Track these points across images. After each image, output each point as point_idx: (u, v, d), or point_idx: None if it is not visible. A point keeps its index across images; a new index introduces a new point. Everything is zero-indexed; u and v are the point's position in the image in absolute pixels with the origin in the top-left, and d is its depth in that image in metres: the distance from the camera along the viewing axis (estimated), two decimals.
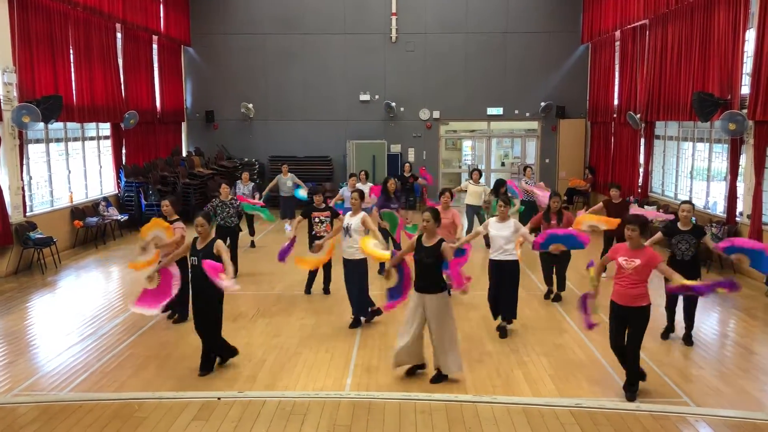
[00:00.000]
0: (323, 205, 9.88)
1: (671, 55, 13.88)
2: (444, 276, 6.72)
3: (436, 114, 20.35)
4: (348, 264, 8.44)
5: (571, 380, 6.82)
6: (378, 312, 8.67)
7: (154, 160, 17.11)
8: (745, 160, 11.46)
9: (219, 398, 6.34)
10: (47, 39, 12.72)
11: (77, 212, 13.75)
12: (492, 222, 8.13)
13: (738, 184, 11.62)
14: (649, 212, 10.73)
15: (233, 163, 19.61)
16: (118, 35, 15.86)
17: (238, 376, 6.94)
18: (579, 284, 10.47)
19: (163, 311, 8.38)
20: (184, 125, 20.53)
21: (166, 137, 18.94)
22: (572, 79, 20.04)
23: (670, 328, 8.08)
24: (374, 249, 7.89)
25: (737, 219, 11.59)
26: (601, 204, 11.04)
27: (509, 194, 11.83)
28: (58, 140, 13.93)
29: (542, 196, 13.05)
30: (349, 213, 8.76)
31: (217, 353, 7.11)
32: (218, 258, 6.76)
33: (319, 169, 19.83)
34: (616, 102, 17.64)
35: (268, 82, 20.30)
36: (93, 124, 15.21)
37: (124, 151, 16.07)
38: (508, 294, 8.10)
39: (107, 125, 15.64)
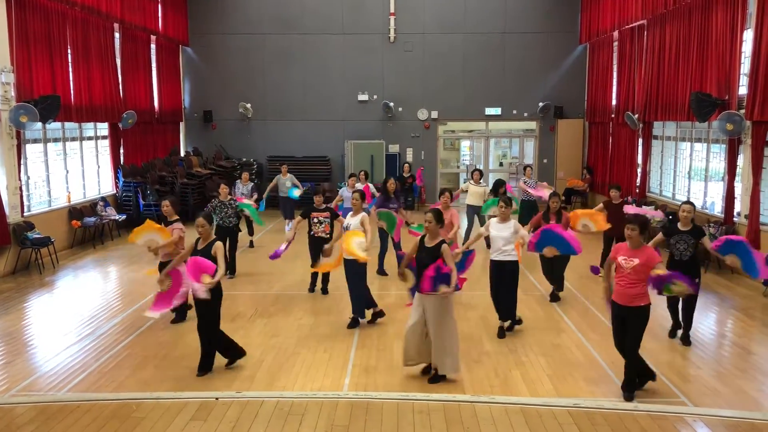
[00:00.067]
0: (323, 206, 9.87)
1: (669, 55, 13.89)
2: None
3: (435, 114, 20.36)
4: (347, 264, 8.44)
5: (569, 380, 6.83)
6: (381, 314, 8.67)
7: (152, 160, 17.10)
8: (743, 161, 11.48)
9: (217, 398, 6.33)
10: (45, 38, 12.71)
11: (75, 212, 13.74)
12: (493, 222, 8.14)
13: (736, 184, 11.63)
14: (642, 210, 10.71)
15: (231, 163, 19.59)
16: (116, 35, 15.85)
17: (236, 376, 6.94)
18: (578, 284, 10.49)
19: (173, 311, 8.51)
20: (182, 125, 20.52)
21: (164, 137, 18.93)
22: (570, 79, 20.06)
23: (676, 325, 8.07)
24: (354, 247, 7.95)
25: (735, 219, 11.61)
26: (601, 205, 11.05)
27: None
28: (56, 140, 13.92)
29: (535, 192, 13.09)
30: (350, 213, 8.76)
31: (221, 353, 7.08)
32: (215, 259, 6.76)
33: (318, 169, 19.83)
34: (614, 102, 17.66)
35: (266, 82, 20.30)
36: (91, 124, 15.19)
37: (122, 151, 16.05)
38: (507, 294, 8.11)
39: (105, 125, 15.62)
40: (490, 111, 20.32)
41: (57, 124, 13.55)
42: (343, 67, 20.15)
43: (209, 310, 6.84)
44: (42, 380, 6.92)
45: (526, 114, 20.30)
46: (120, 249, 13.59)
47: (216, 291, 6.82)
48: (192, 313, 8.53)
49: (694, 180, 13.81)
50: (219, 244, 6.86)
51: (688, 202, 7.95)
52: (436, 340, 6.65)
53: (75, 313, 9.29)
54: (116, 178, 15.77)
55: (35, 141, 13.10)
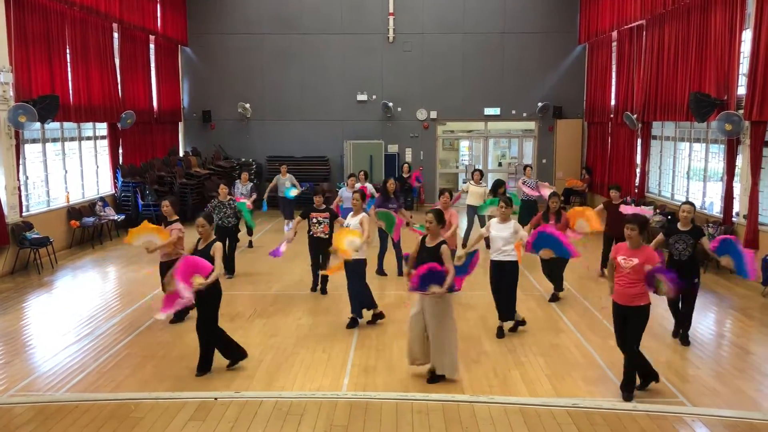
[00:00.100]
0: (323, 206, 9.86)
1: (668, 55, 13.90)
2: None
3: (434, 114, 20.36)
4: (348, 264, 8.44)
5: (568, 380, 6.83)
6: (381, 316, 8.66)
7: (150, 160, 17.09)
8: (742, 161, 11.48)
9: (216, 398, 6.33)
10: (44, 38, 12.69)
11: (74, 212, 13.73)
12: (493, 223, 8.14)
13: (734, 184, 11.64)
14: (639, 210, 10.70)
15: (230, 163, 19.59)
16: (115, 35, 15.84)
17: (234, 376, 6.93)
18: (577, 285, 10.48)
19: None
20: (181, 125, 20.51)
21: (163, 137, 18.92)
22: (569, 79, 20.07)
23: (679, 325, 8.07)
24: (345, 245, 8.01)
25: (734, 219, 11.62)
26: (601, 206, 11.05)
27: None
28: (54, 140, 13.90)
29: (530, 192, 13.09)
30: (351, 213, 8.76)
31: (221, 353, 7.07)
32: (213, 260, 6.76)
33: (317, 169, 19.82)
34: (613, 102, 17.67)
35: (265, 82, 20.29)
36: (90, 124, 15.18)
37: (120, 151, 16.04)
38: (506, 294, 8.11)
39: (104, 125, 15.61)
40: (489, 111, 20.33)
41: (56, 124, 13.55)
42: (342, 67, 20.15)
43: (207, 309, 6.84)
44: (40, 380, 6.91)
45: (525, 114, 20.31)
46: (119, 249, 13.57)
47: (215, 291, 6.83)
48: (192, 313, 8.56)
49: (693, 180, 13.81)
50: (218, 244, 6.86)
51: (688, 202, 7.97)
52: (434, 340, 6.65)
53: (74, 313, 9.28)
54: (115, 178, 15.76)
55: (34, 141, 13.09)
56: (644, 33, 15.30)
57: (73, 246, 13.64)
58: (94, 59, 14.55)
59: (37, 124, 12.13)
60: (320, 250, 9.61)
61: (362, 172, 13.26)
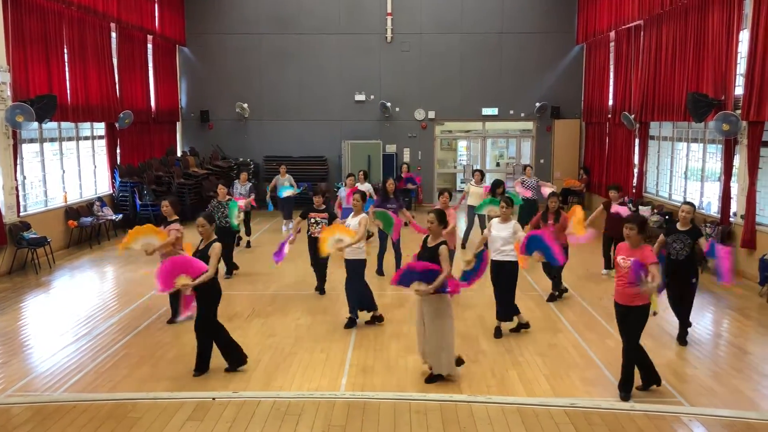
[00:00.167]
0: (323, 207, 9.86)
1: (666, 55, 13.92)
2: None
3: (432, 114, 20.36)
4: (348, 263, 8.45)
5: (566, 380, 6.84)
6: (380, 319, 8.65)
7: (148, 160, 17.07)
8: (739, 161, 11.50)
9: (214, 398, 6.33)
10: (41, 38, 12.68)
11: (71, 212, 13.71)
12: (494, 222, 8.16)
13: (732, 184, 11.66)
14: (620, 208, 10.69)
15: (228, 163, 19.59)
16: (113, 35, 15.82)
17: (232, 376, 6.93)
18: (575, 285, 10.49)
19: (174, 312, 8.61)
20: (179, 125, 20.49)
21: (161, 137, 18.89)
22: (567, 79, 20.08)
23: (686, 324, 8.08)
24: (329, 242, 8.11)
25: (731, 219, 11.64)
26: (601, 207, 11.06)
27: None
28: (52, 140, 13.88)
29: (522, 192, 13.07)
30: (351, 214, 8.76)
31: (222, 353, 7.06)
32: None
33: (315, 169, 19.83)
34: (610, 102, 17.69)
35: (263, 82, 20.28)
36: (87, 124, 15.16)
37: (118, 150, 16.02)
38: (504, 294, 8.11)
39: (102, 125, 15.60)
40: (487, 111, 20.33)
41: (53, 124, 13.53)
42: (340, 67, 20.15)
43: (206, 308, 6.83)
44: (38, 380, 6.90)
45: (522, 114, 20.32)
46: (116, 249, 13.54)
47: (213, 290, 6.83)
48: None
49: (691, 180, 13.83)
50: (216, 245, 6.84)
51: (687, 202, 7.99)
52: (431, 340, 6.66)
53: (71, 313, 9.27)
54: (113, 178, 15.74)
55: (31, 141, 13.06)
56: (642, 33, 15.32)
57: (70, 246, 13.63)
58: (91, 59, 14.53)
59: (35, 124, 12.12)
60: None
61: (362, 172, 13.26)
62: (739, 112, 11.07)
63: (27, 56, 12.15)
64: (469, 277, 7.83)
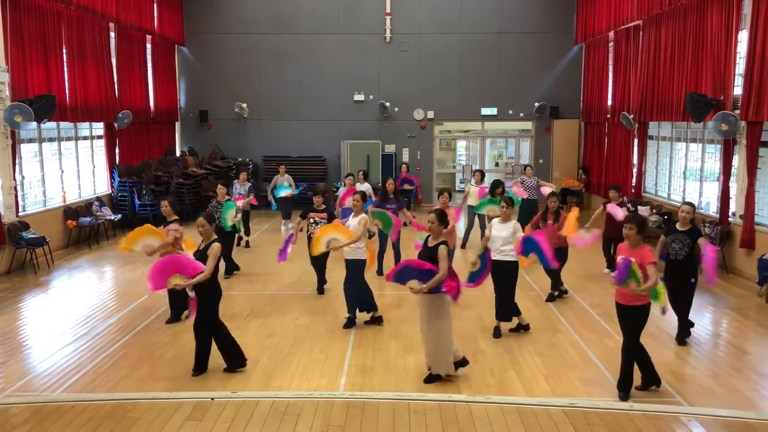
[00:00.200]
0: (322, 207, 9.86)
1: (664, 55, 13.92)
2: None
3: (431, 114, 20.36)
4: (348, 263, 8.45)
5: (565, 380, 6.84)
6: (380, 320, 8.63)
7: (147, 160, 17.06)
8: (738, 161, 11.51)
9: (212, 398, 6.32)
10: (40, 38, 12.66)
11: (70, 212, 13.70)
12: (495, 222, 8.16)
13: (731, 184, 11.67)
14: (612, 207, 10.69)
15: (227, 162, 19.58)
16: (112, 34, 15.81)
17: (231, 376, 6.93)
18: (574, 284, 10.49)
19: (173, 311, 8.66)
20: (177, 125, 20.48)
21: (160, 137, 18.88)
22: (566, 79, 20.08)
23: (688, 324, 8.07)
24: (324, 240, 8.15)
25: (730, 219, 11.64)
26: (602, 208, 11.04)
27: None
28: (50, 140, 13.87)
29: (519, 191, 13.06)
30: (352, 214, 8.76)
31: (222, 354, 7.04)
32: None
33: (313, 169, 19.83)
34: (609, 102, 17.69)
35: (262, 81, 20.28)
36: (86, 124, 15.14)
37: (117, 150, 16.01)
38: (503, 294, 8.12)
39: (100, 125, 15.59)
40: (486, 111, 20.33)
41: (52, 124, 13.52)
42: (339, 67, 20.14)
43: (206, 308, 6.83)
44: (37, 380, 6.90)
45: (521, 114, 20.32)
46: (115, 249, 13.54)
47: (214, 290, 6.82)
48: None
49: (690, 180, 13.84)
50: (215, 245, 6.81)
51: (688, 203, 8.00)
52: (428, 339, 6.68)
53: (70, 313, 9.26)
54: (112, 177, 15.73)
55: (30, 141, 13.05)
56: (641, 33, 15.32)
57: (69, 246, 13.62)
58: (90, 59, 14.52)
59: (34, 124, 12.11)
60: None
61: (361, 173, 13.25)
62: (737, 112, 11.07)
63: (26, 56, 12.14)
64: (475, 278, 7.93)
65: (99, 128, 15.68)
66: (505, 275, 8.05)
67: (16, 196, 12.01)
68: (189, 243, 8.36)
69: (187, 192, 16.59)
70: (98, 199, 14.87)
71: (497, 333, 8.15)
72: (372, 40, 20.04)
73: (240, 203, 11.90)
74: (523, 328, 8.32)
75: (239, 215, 11.07)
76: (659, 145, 15.31)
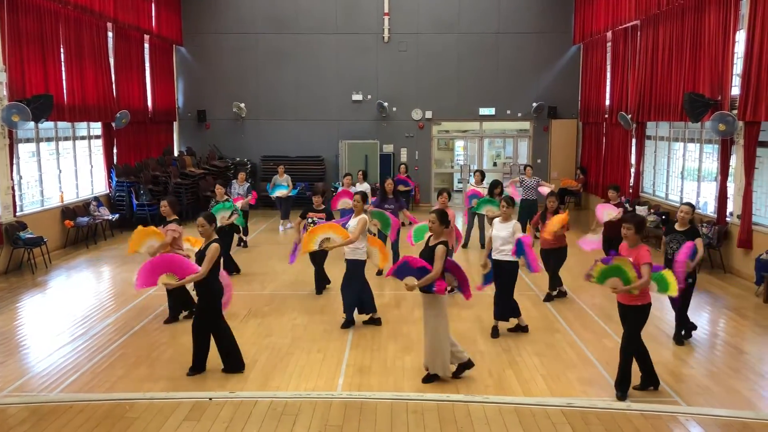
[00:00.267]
0: (321, 207, 9.85)
1: (662, 55, 13.94)
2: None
3: (429, 114, 20.37)
4: (348, 264, 8.45)
5: (563, 380, 6.84)
6: (378, 322, 8.62)
7: (145, 160, 17.05)
8: (736, 161, 11.53)
9: (210, 398, 6.32)
10: (38, 38, 12.65)
11: (68, 212, 13.68)
12: (495, 222, 8.18)
13: (728, 184, 11.68)
14: (605, 206, 10.68)
15: (225, 162, 19.57)
16: (110, 34, 15.79)
17: (229, 376, 6.92)
18: (573, 285, 10.49)
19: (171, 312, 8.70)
20: (175, 125, 20.47)
21: (158, 137, 18.87)
22: (564, 79, 20.10)
23: (691, 326, 8.10)
24: (317, 238, 8.19)
25: (727, 219, 11.66)
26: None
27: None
28: (48, 139, 13.85)
29: (514, 193, 13.07)
30: (352, 214, 8.76)
31: (221, 355, 7.02)
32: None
33: (312, 169, 19.83)
34: (607, 102, 17.71)
35: (260, 81, 20.27)
36: (84, 124, 15.13)
37: (115, 150, 16.00)
38: (502, 294, 8.12)
39: (98, 125, 15.57)
40: (484, 111, 20.35)
41: (50, 124, 13.50)
42: (337, 67, 20.14)
43: (205, 308, 6.82)
44: (34, 380, 6.88)
45: (519, 114, 20.34)
46: (113, 249, 13.54)
47: (213, 290, 6.81)
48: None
49: (687, 180, 13.86)
50: (213, 246, 6.78)
51: (687, 203, 8.01)
52: (426, 339, 6.68)
53: (68, 313, 9.25)
54: (109, 177, 15.72)
55: (28, 140, 13.03)
56: (639, 33, 15.34)
57: (67, 246, 13.60)
58: (88, 58, 14.50)
59: (31, 124, 12.09)
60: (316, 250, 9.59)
61: (360, 173, 13.25)
62: (735, 112, 11.09)
63: (23, 56, 12.13)
64: (489, 279, 8.04)
65: (97, 128, 15.66)
66: (504, 275, 8.05)
67: (14, 196, 11.99)
68: (194, 241, 8.39)
69: (185, 192, 16.57)
70: (96, 199, 14.85)
71: (495, 333, 8.16)
72: (370, 40, 20.04)
73: (239, 203, 11.90)
74: (521, 329, 8.33)
75: (233, 217, 10.98)
76: (657, 145, 15.33)
